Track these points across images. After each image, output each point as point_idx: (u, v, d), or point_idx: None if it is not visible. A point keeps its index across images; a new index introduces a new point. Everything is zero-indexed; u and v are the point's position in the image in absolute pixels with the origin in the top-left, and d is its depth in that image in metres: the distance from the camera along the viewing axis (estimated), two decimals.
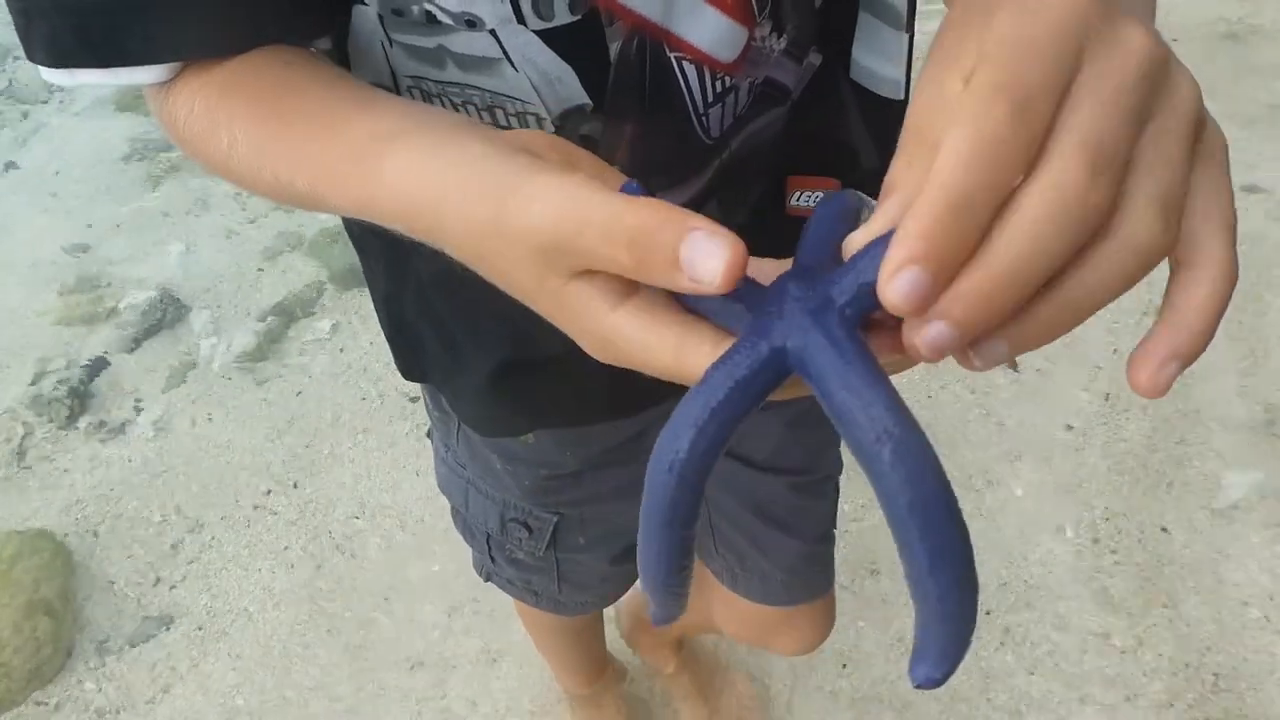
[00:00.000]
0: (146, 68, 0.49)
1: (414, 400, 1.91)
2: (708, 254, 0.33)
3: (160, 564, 1.73)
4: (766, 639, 1.11)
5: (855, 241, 0.34)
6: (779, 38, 0.56)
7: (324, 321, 2.07)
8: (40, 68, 0.50)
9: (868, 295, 0.32)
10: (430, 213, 0.41)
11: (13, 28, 0.50)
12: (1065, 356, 1.91)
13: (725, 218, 0.67)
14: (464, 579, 1.67)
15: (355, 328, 2.05)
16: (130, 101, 2.60)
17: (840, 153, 0.64)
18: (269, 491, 1.81)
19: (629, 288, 0.37)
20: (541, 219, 0.36)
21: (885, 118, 0.63)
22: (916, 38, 0.62)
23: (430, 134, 0.43)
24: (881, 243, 0.32)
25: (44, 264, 2.24)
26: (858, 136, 0.64)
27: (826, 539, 1.02)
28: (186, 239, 2.26)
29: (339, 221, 2.46)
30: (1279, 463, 1.73)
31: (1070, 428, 1.81)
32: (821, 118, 0.62)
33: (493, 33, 0.52)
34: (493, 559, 1.00)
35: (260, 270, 2.18)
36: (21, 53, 0.52)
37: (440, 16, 0.52)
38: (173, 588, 1.70)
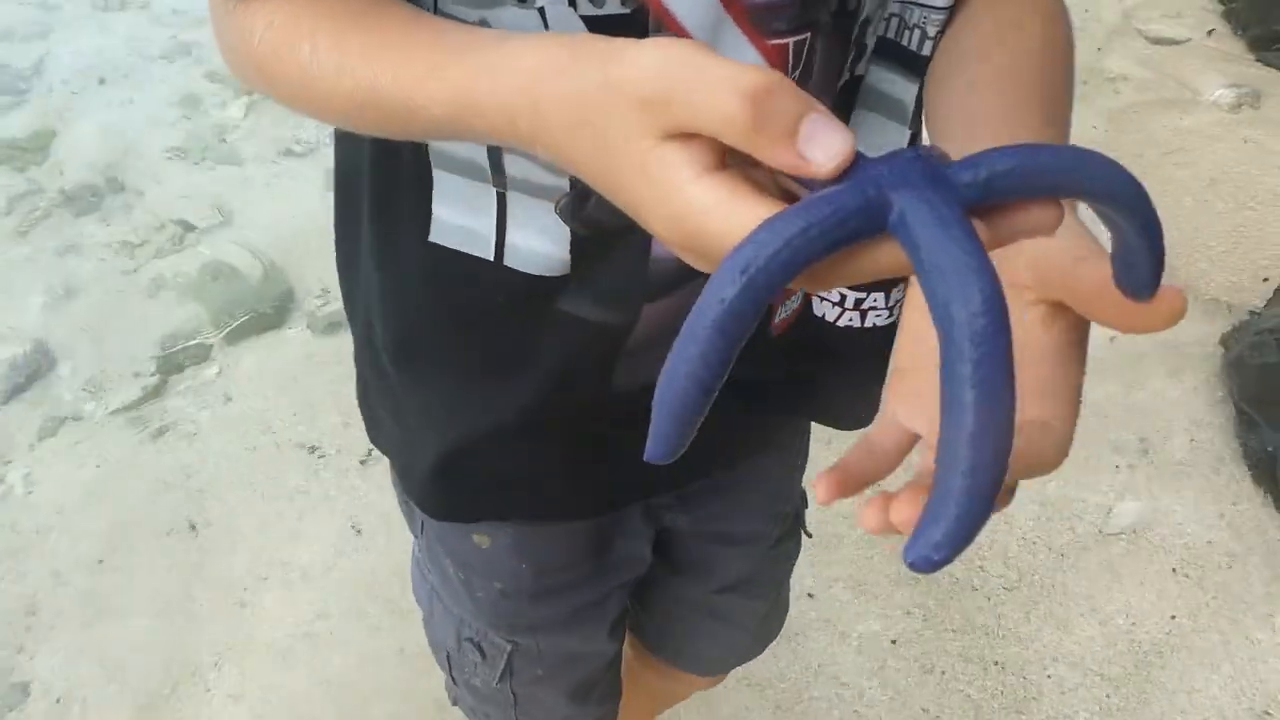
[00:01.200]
0: None
1: (312, 451, 1.87)
2: (829, 134, 0.33)
3: (23, 629, 1.64)
4: (671, 683, 1.15)
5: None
6: None
7: (209, 369, 2.01)
8: None
9: (987, 186, 0.33)
10: (532, 89, 0.40)
11: None
12: None
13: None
14: (374, 636, 1.63)
15: (241, 374, 1.99)
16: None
17: None
18: (163, 537, 1.74)
19: (718, 161, 0.35)
20: (652, 65, 0.35)
21: None
22: None
23: (531, 34, 0.42)
24: (1019, 153, 0.33)
25: None
26: None
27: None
28: (58, 288, 2.17)
29: (222, 258, 2.35)
30: None
31: None
32: None
33: (540, 11, 0.51)
34: (454, 679, 0.93)
35: (139, 316, 2.10)
36: None
37: None
38: (33, 656, 1.61)
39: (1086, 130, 2.55)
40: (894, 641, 1.63)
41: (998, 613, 1.67)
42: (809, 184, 0.34)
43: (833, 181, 0.33)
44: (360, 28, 0.48)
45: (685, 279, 0.63)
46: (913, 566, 0.31)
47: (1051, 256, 0.41)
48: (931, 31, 0.60)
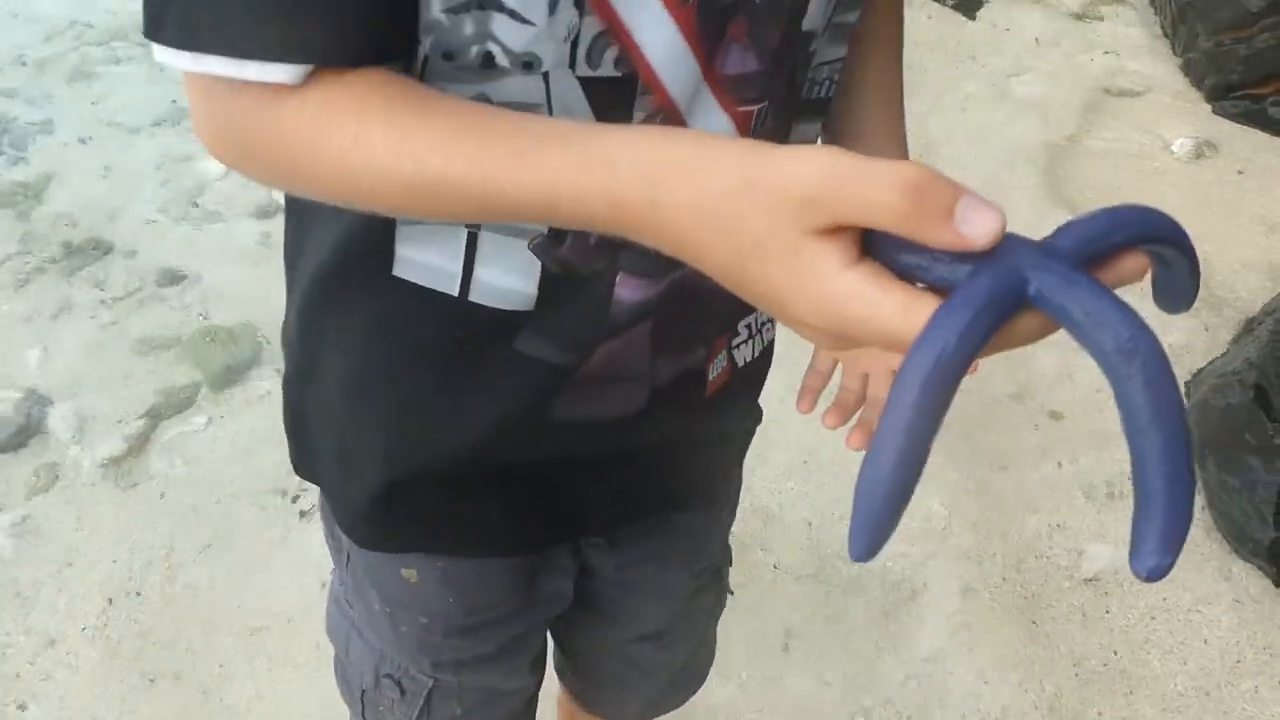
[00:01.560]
0: (280, 66, 0.47)
1: (294, 500, 1.87)
2: (982, 213, 0.37)
3: (12, 684, 1.63)
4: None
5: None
6: None
7: (197, 422, 2.01)
8: (160, 48, 0.48)
9: (1087, 247, 0.39)
10: (652, 185, 0.42)
11: None
12: None
13: (658, 362, 0.70)
14: None
15: (223, 427, 2.00)
16: None
17: None
18: (137, 594, 1.73)
19: (860, 253, 0.40)
20: (809, 169, 0.39)
21: None
22: None
23: (635, 129, 0.45)
24: (1105, 216, 0.40)
25: None
26: None
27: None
28: (51, 344, 2.17)
29: (209, 314, 2.34)
30: None
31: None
32: None
33: (545, 76, 0.53)
34: None
35: (129, 374, 2.11)
36: None
37: (500, 59, 0.53)
38: (23, 708, 1.60)
39: (1048, 181, 2.61)
40: (867, 683, 1.65)
41: (977, 659, 1.69)
42: (926, 266, 0.39)
43: (959, 255, 0.38)
44: (417, 112, 0.48)
45: (636, 319, 0.66)
46: (1148, 577, 0.36)
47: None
48: (837, 77, 0.67)
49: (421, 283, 0.62)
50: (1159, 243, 0.42)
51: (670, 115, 0.56)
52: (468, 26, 0.51)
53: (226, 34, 0.47)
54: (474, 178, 0.46)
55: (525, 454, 0.71)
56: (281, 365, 2.12)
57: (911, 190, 0.37)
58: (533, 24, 0.51)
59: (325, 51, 0.48)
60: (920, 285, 0.40)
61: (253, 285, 2.26)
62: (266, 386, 2.06)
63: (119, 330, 2.19)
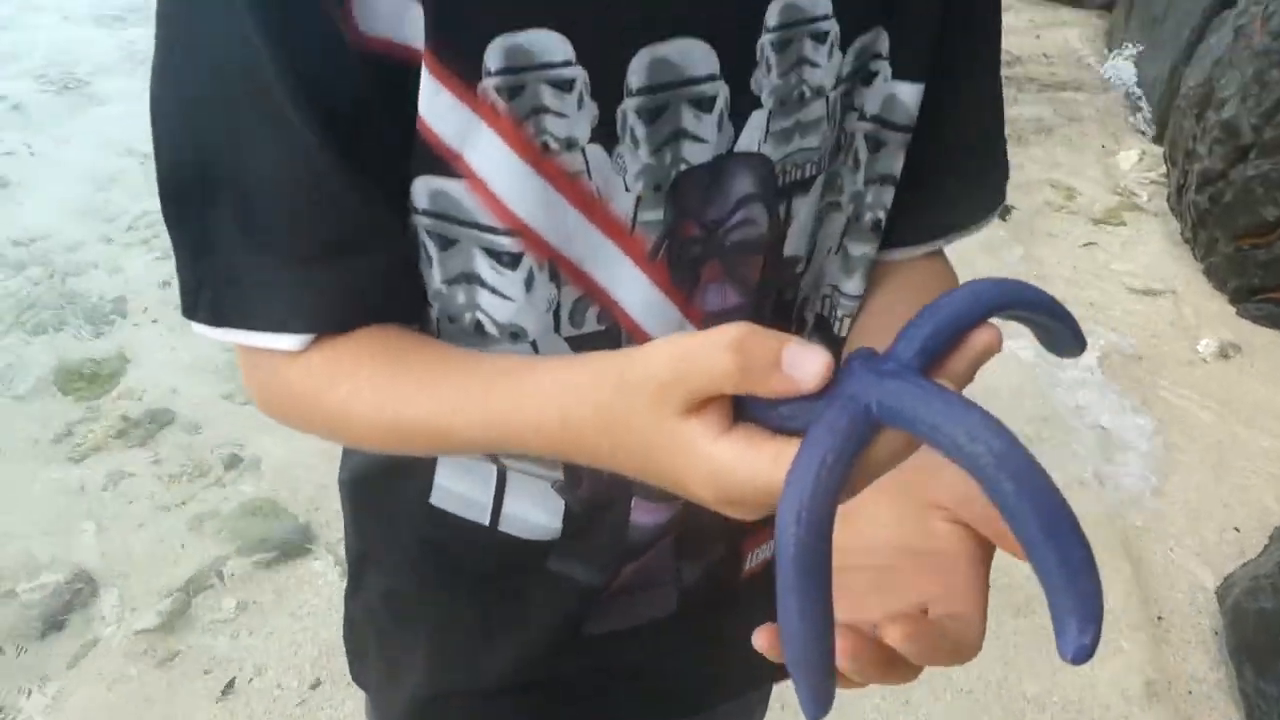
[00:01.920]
0: (285, 336, 0.55)
1: (314, 687, 1.89)
2: (807, 357, 0.39)
3: None
4: None
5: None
6: None
7: (239, 602, 2.05)
8: (196, 325, 0.57)
9: (926, 349, 0.39)
10: (559, 407, 0.46)
11: None
12: None
13: (682, 567, 0.72)
14: None
15: (268, 607, 2.03)
16: (58, 385, 2.64)
17: None
18: None
19: (731, 422, 0.41)
20: (657, 359, 0.42)
21: None
22: None
23: (552, 360, 0.49)
24: (931, 312, 0.40)
25: None
26: None
27: None
28: (103, 519, 2.25)
29: (271, 504, 2.34)
30: None
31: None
32: None
33: (533, 343, 0.58)
34: None
35: (174, 551, 2.17)
36: None
37: (489, 329, 0.58)
38: None
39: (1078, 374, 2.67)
40: None
41: None
42: (791, 415, 0.39)
43: (815, 396, 0.39)
44: (398, 368, 0.54)
45: (656, 539, 0.69)
46: (1073, 661, 0.35)
47: (973, 491, 0.53)
48: (840, 314, 0.68)
49: (455, 512, 0.67)
50: (1013, 309, 0.42)
51: None
52: (460, 296, 0.58)
53: (244, 312, 0.55)
54: (441, 423, 0.52)
55: (562, 669, 0.74)
56: (327, 553, 2.17)
57: (737, 347, 0.38)
58: (512, 300, 0.57)
59: (321, 323, 0.55)
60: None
61: (306, 470, 2.33)
62: (315, 571, 2.10)
63: (171, 508, 2.26)
